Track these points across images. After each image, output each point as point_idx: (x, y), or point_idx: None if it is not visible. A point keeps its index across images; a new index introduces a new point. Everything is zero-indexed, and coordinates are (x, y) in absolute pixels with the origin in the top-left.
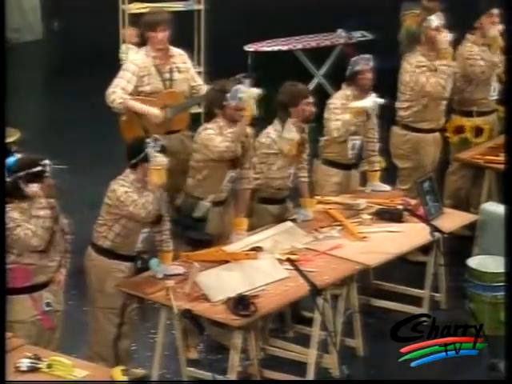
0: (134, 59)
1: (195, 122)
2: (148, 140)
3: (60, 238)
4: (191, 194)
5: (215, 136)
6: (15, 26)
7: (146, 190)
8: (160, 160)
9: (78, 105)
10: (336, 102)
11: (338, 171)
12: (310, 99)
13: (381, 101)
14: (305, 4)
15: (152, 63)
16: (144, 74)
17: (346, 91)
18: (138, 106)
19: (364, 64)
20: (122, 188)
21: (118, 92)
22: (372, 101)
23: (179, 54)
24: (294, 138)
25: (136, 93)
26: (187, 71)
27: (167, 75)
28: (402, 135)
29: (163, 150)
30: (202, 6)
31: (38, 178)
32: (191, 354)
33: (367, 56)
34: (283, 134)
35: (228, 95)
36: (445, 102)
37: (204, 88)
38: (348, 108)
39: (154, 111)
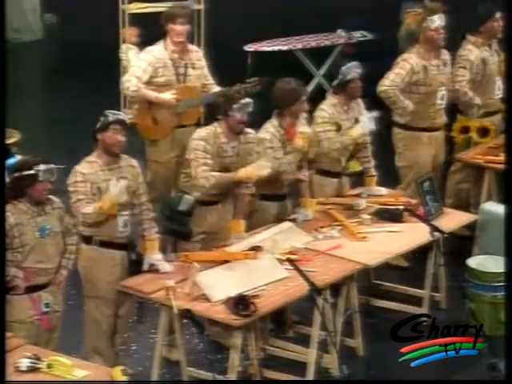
0: (151, 50)
1: None
2: (108, 112)
3: (62, 239)
4: (181, 189)
5: (204, 143)
6: (15, 26)
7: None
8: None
9: (78, 104)
10: (324, 115)
11: (331, 180)
12: (304, 97)
13: (374, 115)
14: (305, 4)
15: (169, 56)
16: (159, 66)
17: (332, 100)
18: (151, 94)
19: (355, 72)
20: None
21: (133, 80)
22: (369, 124)
23: (195, 51)
24: (307, 132)
25: (149, 83)
26: (201, 68)
27: (182, 70)
28: (397, 133)
29: (123, 123)
30: (202, 6)
31: (31, 180)
32: (173, 355)
33: (356, 63)
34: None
35: (235, 106)
36: (441, 102)
37: (215, 88)
38: (345, 130)
39: (167, 96)
